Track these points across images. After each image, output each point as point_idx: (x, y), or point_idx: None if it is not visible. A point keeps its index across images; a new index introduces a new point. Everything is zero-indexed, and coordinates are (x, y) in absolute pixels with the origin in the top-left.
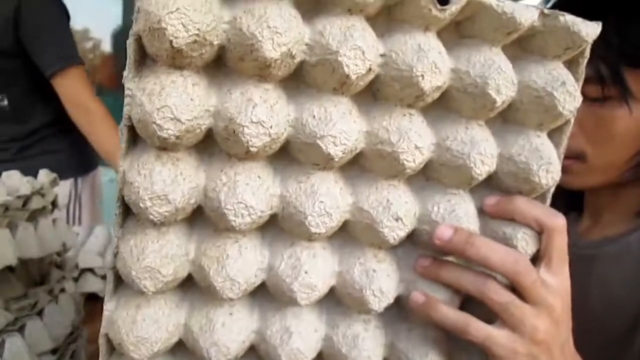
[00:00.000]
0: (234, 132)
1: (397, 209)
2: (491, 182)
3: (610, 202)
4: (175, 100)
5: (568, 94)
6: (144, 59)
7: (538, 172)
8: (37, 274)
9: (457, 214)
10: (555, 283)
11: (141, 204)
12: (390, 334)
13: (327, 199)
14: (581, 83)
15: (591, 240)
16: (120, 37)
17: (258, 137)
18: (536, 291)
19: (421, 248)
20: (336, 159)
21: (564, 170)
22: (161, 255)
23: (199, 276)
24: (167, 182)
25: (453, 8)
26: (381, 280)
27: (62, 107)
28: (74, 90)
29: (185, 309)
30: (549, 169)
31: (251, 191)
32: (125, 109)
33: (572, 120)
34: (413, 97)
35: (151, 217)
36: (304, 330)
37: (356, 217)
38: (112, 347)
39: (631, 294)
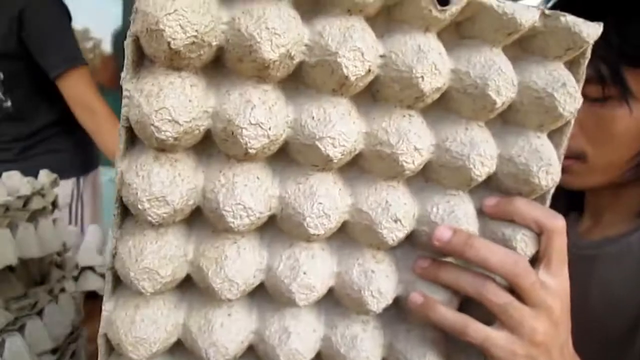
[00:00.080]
0: (233, 133)
1: (396, 210)
2: (491, 183)
3: (610, 203)
4: (173, 101)
5: (568, 95)
6: (142, 60)
7: (538, 173)
8: (37, 274)
9: (457, 215)
10: (554, 284)
11: (139, 206)
12: (389, 335)
13: (325, 200)
14: (582, 84)
15: (592, 240)
16: (120, 37)
17: (257, 138)
18: (535, 293)
19: (420, 249)
20: (335, 161)
21: (565, 170)
22: (160, 256)
23: (197, 277)
24: (166, 184)
25: (453, 9)
26: (380, 281)
27: (65, 107)
28: (79, 91)
29: (183, 310)
30: (548, 170)
31: (250, 192)
32: (123, 110)
33: (573, 121)
34: (413, 98)
35: (149, 218)
36: (302, 330)
37: (355, 218)
38: (110, 347)
39: (632, 294)
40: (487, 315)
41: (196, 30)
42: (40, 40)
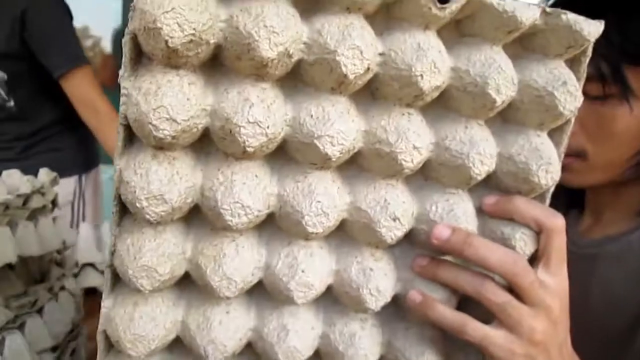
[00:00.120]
0: (231, 132)
1: (394, 208)
2: (490, 182)
3: (611, 201)
4: (171, 100)
5: (569, 93)
6: (140, 58)
7: (537, 172)
8: (37, 272)
9: (456, 214)
10: (553, 284)
11: (138, 204)
12: (387, 333)
13: (324, 198)
14: (583, 82)
15: (592, 239)
16: (120, 36)
17: (255, 137)
18: (534, 292)
19: (419, 247)
20: (334, 159)
21: (565, 168)
22: (158, 254)
23: (196, 275)
24: (164, 182)
25: (453, 6)
26: (378, 279)
27: (67, 106)
28: (82, 91)
29: (182, 307)
30: (548, 169)
31: (248, 190)
32: (122, 108)
33: (573, 120)
34: (412, 97)
35: (148, 217)
36: (300, 328)
37: (354, 217)
38: (110, 344)
39: (632, 293)
40: (485, 314)
41: (194, 29)
42: (43, 40)
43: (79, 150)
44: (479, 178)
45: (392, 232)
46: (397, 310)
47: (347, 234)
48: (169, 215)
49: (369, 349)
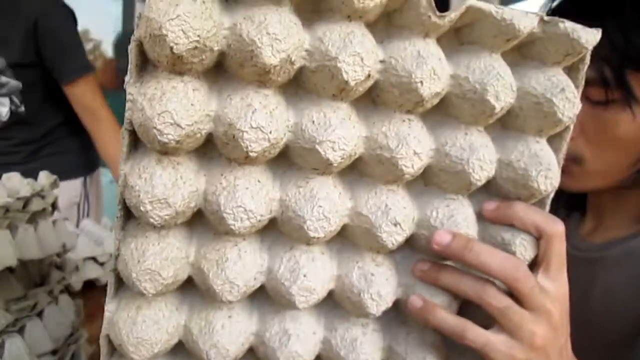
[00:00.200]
0: (234, 137)
1: (395, 214)
2: (490, 188)
3: (613, 206)
4: (175, 105)
5: (567, 100)
6: (146, 64)
7: (537, 178)
8: (37, 275)
9: (456, 219)
10: (553, 289)
11: (142, 208)
12: (389, 338)
13: (325, 203)
14: (581, 89)
15: (594, 243)
16: (121, 40)
17: (257, 142)
18: (534, 297)
19: (420, 253)
20: (335, 164)
21: (563, 171)
22: (161, 257)
23: (198, 279)
24: (168, 186)
25: (452, 15)
26: (379, 284)
27: (71, 109)
28: (87, 99)
29: (185, 311)
30: (547, 175)
31: (250, 195)
32: (127, 113)
33: (572, 127)
34: (412, 103)
35: (152, 220)
36: (302, 333)
37: (355, 222)
38: (113, 348)
39: (634, 297)
40: (485, 319)
41: (198, 36)
42: (53, 49)
43: (82, 153)
44: (479, 184)
45: (393, 237)
46: (398, 315)
47: (348, 239)
48: (172, 219)
49: (370, 354)
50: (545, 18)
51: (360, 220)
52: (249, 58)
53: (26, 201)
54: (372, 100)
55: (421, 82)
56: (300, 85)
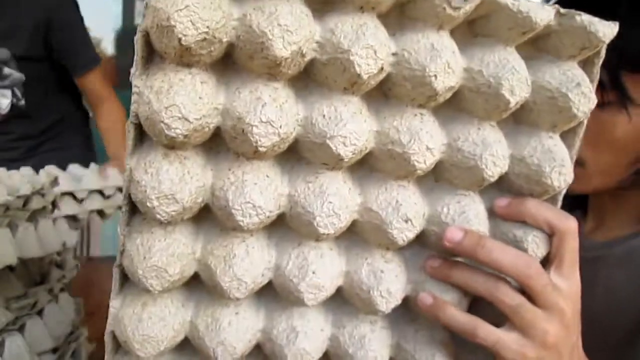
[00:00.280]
0: (243, 131)
1: (406, 210)
2: (502, 184)
3: (614, 205)
4: (183, 99)
5: (583, 95)
6: (152, 56)
7: (550, 174)
8: (37, 274)
9: (467, 216)
10: (566, 286)
11: (148, 203)
12: (397, 335)
13: (335, 199)
14: (596, 84)
15: (595, 241)
16: (121, 36)
17: (267, 136)
18: (547, 295)
19: (430, 249)
20: (346, 160)
21: None
22: (168, 254)
23: (205, 275)
24: (175, 181)
25: (467, 7)
26: (389, 281)
27: (71, 105)
28: (97, 87)
29: (191, 308)
30: (561, 171)
31: (259, 191)
32: (133, 106)
33: (585, 122)
34: (425, 97)
35: (158, 216)
36: (310, 330)
37: (364, 218)
38: (117, 345)
39: (635, 296)
40: (496, 316)
41: (207, 27)
42: (68, 42)
43: (83, 149)
44: (492, 180)
45: (404, 233)
46: (406, 312)
47: (357, 235)
48: (179, 215)
49: (379, 351)
50: (562, 11)
51: (370, 216)
52: (259, 50)
53: (26, 199)
54: (384, 93)
55: (435, 75)
56: (310, 78)
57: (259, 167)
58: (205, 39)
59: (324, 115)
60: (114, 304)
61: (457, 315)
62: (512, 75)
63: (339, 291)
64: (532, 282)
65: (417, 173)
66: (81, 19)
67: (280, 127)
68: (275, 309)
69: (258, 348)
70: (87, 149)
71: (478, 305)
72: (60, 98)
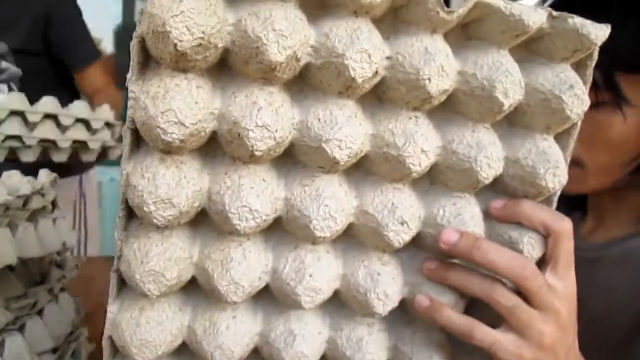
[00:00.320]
0: (239, 135)
1: (402, 212)
2: (497, 186)
3: (612, 206)
4: (179, 103)
5: (576, 97)
6: (148, 61)
7: (545, 175)
8: (37, 273)
9: (463, 218)
10: (561, 287)
11: (145, 208)
12: (394, 337)
13: (331, 202)
14: (589, 86)
15: (594, 242)
16: (121, 34)
17: (263, 140)
18: (543, 296)
19: (426, 251)
20: (342, 163)
21: None
22: (165, 258)
23: (202, 279)
24: (171, 186)
25: (461, 10)
26: (386, 284)
27: (71, 100)
28: (97, 81)
29: (188, 312)
30: (555, 172)
31: (255, 194)
32: (129, 111)
33: (579, 124)
34: (419, 100)
35: (155, 221)
36: (307, 333)
37: (360, 221)
38: (115, 349)
39: (633, 298)
40: (493, 318)
41: (202, 32)
42: (68, 38)
43: None
44: (487, 182)
45: (400, 236)
46: (404, 314)
47: (354, 238)
48: (176, 219)
49: (376, 353)
50: (554, 13)
51: (366, 219)
52: (254, 55)
53: (26, 199)
54: (378, 97)
55: (429, 79)
56: (305, 82)
57: (255, 171)
58: (200, 44)
59: (319, 119)
60: (112, 308)
61: (454, 317)
62: (506, 78)
63: (336, 294)
64: (527, 283)
65: (412, 176)
66: (80, 13)
67: (276, 131)
68: (272, 313)
69: (256, 352)
70: None
71: (475, 307)
72: (59, 93)
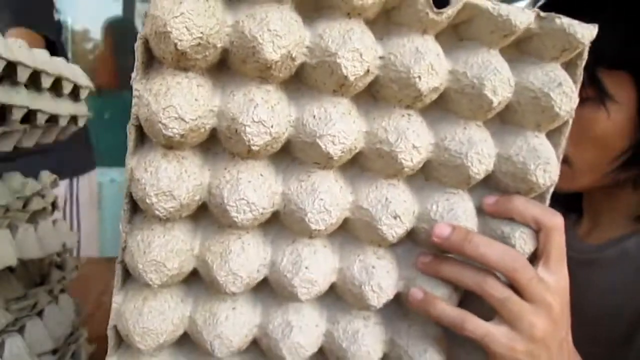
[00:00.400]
0: (236, 131)
1: (395, 207)
2: (490, 182)
3: (607, 205)
4: (179, 100)
5: (564, 94)
6: (152, 62)
7: (535, 171)
8: (37, 275)
9: (456, 213)
10: (553, 281)
11: (147, 200)
12: (391, 331)
13: (326, 196)
14: (579, 84)
15: (590, 244)
16: (112, 26)
17: (259, 135)
18: (533, 289)
19: (421, 246)
20: (335, 158)
21: None
22: (167, 249)
23: (203, 271)
24: (173, 179)
25: (449, 11)
26: (380, 277)
27: None
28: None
29: (190, 303)
30: (546, 168)
31: (253, 188)
32: (133, 109)
33: (571, 121)
34: (411, 98)
35: (157, 212)
36: (305, 325)
37: (356, 215)
38: (120, 340)
39: (630, 297)
40: (487, 312)
41: (201, 32)
42: None
43: (68, 153)
44: (478, 177)
45: (393, 229)
46: (400, 308)
47: (350, 233)
48: (177, 211)
49: (372, 346)
50: (542, 14)
51: (361, 214)
52: (251, 54)
53: (26, 200)
54: (373, 96)
55: (419, 77)
56: (302, 81)
57: (254, 167)
58: (199, 44)
59: (314, 116)
60: (117, 299)
61: (447, 310)
62: (494, 76)
63: (333, 288)
64: (517, 275)
65: (405, 171)
66: None
67: (272, 126)
68: (271, 305)
69: (255, 344)
70: (74, 153)
71: (470, 302)
72: None
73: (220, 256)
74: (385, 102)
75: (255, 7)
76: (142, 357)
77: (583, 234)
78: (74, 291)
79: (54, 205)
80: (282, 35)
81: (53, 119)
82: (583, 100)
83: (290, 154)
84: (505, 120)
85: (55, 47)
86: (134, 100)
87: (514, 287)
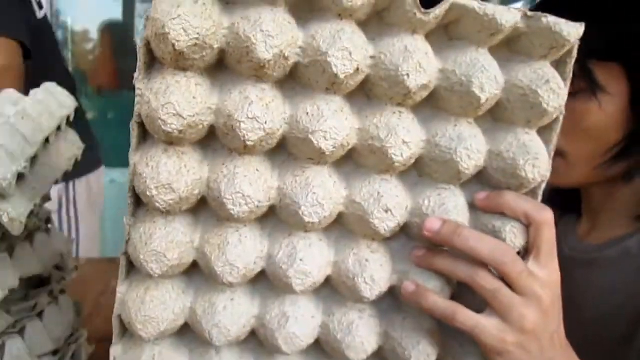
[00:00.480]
0: (232, 127)
1: (387, 201)
2: (482, 178)
3: (604, 203)
4: (178, 97)
5: (552, 91)
6: (153, 62)
7: (524, 166)
8: (37, 276)
9: (447, 207)
10: (543, 275)
11: (148, 193)
12: (385, 324)
13: (320, 190)
14: (569, 82)
15: (590, 244)
16: (118, 38)
17: (253, 131)
18: (524, 282)
19: (415, 241)
20: (327, 153)
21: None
22: (167, 240)
23: (202, 262)
24: (172, 173)
25: (437, 11)
26: (373, 269)
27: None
28: None
29: (191, 295)
30: (535, 164)
31: (249, 182)
32: (136, 107)
33: (561, 118)
34: (401, 96)
35: (157, 204)
36: (300, 316)
37: (350, 210)
38: (124, 329)
39: (630, 297)
40: (479, 305)
41: (198, 33)
42: None
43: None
44: (468, 172)
45: (385, 223)
46: (394, 302)
47: (345, 227)
48: (177, 204)
49: (366, 337)
50: (529, 13)
51: (355, 208)
52: (245, 54)
53: None
54: (366, 94)
55: (407, 74)
56: (296, 80)
57: (250, 162)
58: (196, 44)
59: (307, 113)
60: (121, 289)
61: (439, 302)
62: (482, 74)
63: (329, 281)
64: (507, 268)
65: (396, 166)
66: None
67: (266, 123)
68: (269, 297)
69: (254, 335)
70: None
71: (463, 296)
72: None
73: (218, 248)
74: (377, 100)
75: (250, 10)
76: (145, 345)
77: (583, 233)
78: (73, 292)
79: (47, 221)
80: (274, 36)
81: None
82: (575, 92)
83: (286, 150)
84: (496, 118)
85: (29, 53)
86: (137, 99)
87: (505, 280)
